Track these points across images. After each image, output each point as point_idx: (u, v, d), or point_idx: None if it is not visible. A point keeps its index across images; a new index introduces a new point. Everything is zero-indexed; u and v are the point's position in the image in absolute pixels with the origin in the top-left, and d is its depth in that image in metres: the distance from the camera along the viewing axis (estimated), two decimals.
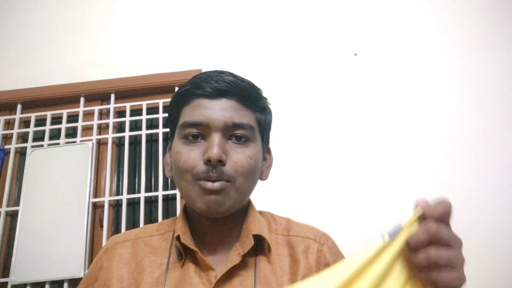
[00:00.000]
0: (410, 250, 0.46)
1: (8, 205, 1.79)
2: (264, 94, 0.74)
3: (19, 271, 1.62)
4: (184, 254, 0.65)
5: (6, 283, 1.62)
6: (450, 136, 1.76)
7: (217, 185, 0.61)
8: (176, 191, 1.75)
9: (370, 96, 1.85)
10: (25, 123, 1.98)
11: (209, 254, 0.67)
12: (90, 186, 1.76)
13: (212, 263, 0.64)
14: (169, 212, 1.82)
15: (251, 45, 1.99)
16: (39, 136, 1.93)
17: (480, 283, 1.50)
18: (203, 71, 1.83)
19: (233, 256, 0.64)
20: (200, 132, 0.64)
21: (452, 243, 0.47)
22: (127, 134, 1.88)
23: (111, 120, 1.92)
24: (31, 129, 1.91)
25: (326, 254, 0.69)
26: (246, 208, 0.72)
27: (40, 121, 1.95)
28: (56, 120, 1.95)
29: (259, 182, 0.71)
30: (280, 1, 2.07)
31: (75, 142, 1.86)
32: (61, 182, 1.76)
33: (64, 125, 1.90)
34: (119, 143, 1.95)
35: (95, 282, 0.68)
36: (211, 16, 2.06)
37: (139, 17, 2.11)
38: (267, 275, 0.64)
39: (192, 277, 0.63)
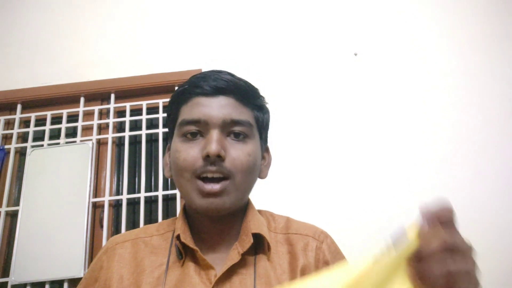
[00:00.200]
0: (420, 259, 0.44)
1: (8, 205, 1.79)
2: (264, 94, 0.74)
3: (19, 271, 1.62)
4: (184, 253, 0.65)
5: (6, 283, 1.62)
6: (450, 135, 1.76)
7: (216, 188, 0.62)
8: (176, 191, 1.75)
9: (370, 96, 1.85)
10: (25, 123, 1.98)
11: (209, 253, 0.67)
12: (90, 186, 1.76)
13: (212, 262, 0.64)
14: (169, 212, 1.82)
15: (251, 45, 1.99)
16: (39, 136, 1.93)
17: (482, 284, 1.50)
18: (203, 71, 1.84)
19: (233, 255, 0.64)
20: (198, 129, 0.65)
21: (467, 252, 0.46)
22: (127, 134, 1.88)
23: (111, 120, 1.92)
24: (31, 129, 1.91)
25: (325, 252, 0.69)
26: (245, 207, 0.72)
27: (40, 121, 1.95)
28: (56, 120, 1.95)
29: (258, 181, 0.72)
30: (280, 1, 2.07)
31: (75, 142, 1.86)
32: (61, 182, 1.76)
33: (64, 125, 1.91)
34: (119, 143, 1.95)
35: (95, 283, 0.68)
36: (211, 16, 2.07)
37: (139, 17, 2.11)
38: (267, 274, 0.64)
39: (192, 277, 0.63)
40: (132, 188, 1.85)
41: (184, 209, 0.71)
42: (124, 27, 2.09)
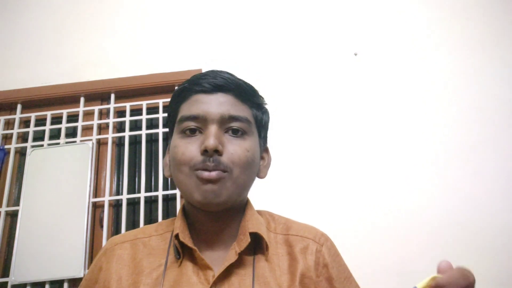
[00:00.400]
0: None
1: (8, 205, 1.79)
2: (264, 94, 0.75)
3: (19, 271, 1.62)
4: (182, 253, 0.65)
5: (6, 283, 1.63)
6: (450, 136, 1.76)
7: (213, 174, 0.62)
8: (176, 191, 1.76)
9: (370, 96, 1.85)
10: (25, 123, 1.98)
11: (207, 253, 0.67)
12: (90, 186, 1.76)
13: (210, 262, 0.64)
14: (169, 212, 1.82)
15: (251, 45, 1.99)
16: (39, 136, 1.93)
17: (480, 283, 1.50)
18: (203, 71, 1.84)
19: (230, 255, 0.64)
20: (197, 125, 0.65)
21: None
22: (127, 134, 1.88)
23: (111, 120, 1.92)
24: (31, 129, 1.91)
25: (325, 255, 0.69)
26: (244, 206, 0.72)
27: (40, 121, 1.95)
28: (56, 120, 1.95)
29: (258, 181, 0.71)
30: (280, 1, 2.07)
31: (75, 142, 1.86)
32: (61, 182, 1.76)
33: (64, 125, 1.91)
34: (119, 143, 1.95)
35: (95, 284, 0.68)
36: (211, 16, 2.07)
37: (139, 17, 2.11)
38: (266, 274, 0.64)
39: (190, 277, 0.63)
40: (132, 188, 1.85)
41: (184, 209, 0.71)
42: (124, 27, 2.09)
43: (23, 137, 1.97)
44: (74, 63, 2.02)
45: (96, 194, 1.82)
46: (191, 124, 0.65)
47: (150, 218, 1.81)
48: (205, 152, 0.62)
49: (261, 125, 0.72)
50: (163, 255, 0.67)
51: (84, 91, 1.95)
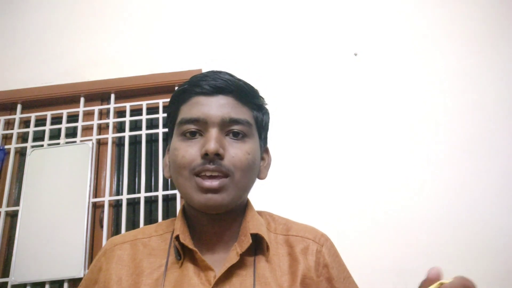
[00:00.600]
0: None
1: (8, 205, 1.79)
2: (264, 94, 0.74)
3: (19, 271, 1.62)
4: (183, 254, 0.65)
5: (6, 283, 1.63)
6: (450, 136, 1.76)
7: (215, 184, 0.61)
8: (176, 191, 1.75)
9: (370, 96, 1.85)
10: (25, 123, 1.98)
11: (208, 254, 0.67)
12: (90, 186, 1.76)
13: (211, 263, 0.64)
14: (169, 212, 1.82)
15: (251, 45, 1.99)
16: (39, 136, 1.93)
17: (479, 283, 1.50)
18: (203, 71, 1.84)
19: (232, 256, 0.64)
20: (197, 128, 0.65)
21: None
22: (127, 134, 1.88)
23: (111, 120, 1.92)
24: (31, 129, 1.91)
25: (325, 255, 0.70)
26: (244, 207, 0.72)
27: (40, 121, 1.95)
28: (56, 120, 1.95)
29: (258, 181, 0.71)
30: (280, 1, 2.07)
31: (75, 142, 1.86)
32: (61, 182, 1.76)
33: (64, 125, 1.91)
34: (119, 143, 1.95)
35: (94, 284, 0.68)
36: (211, 16, 2.07)
37: (139, 17, 2.11)
38: (266, 275, 0.64)
39: (191, 278, 0.63)
40: (132, 188, 1.85)
41: (183, 210, 0.71)
42: (124, 27, 2.09)
43: (23, 137, 1.97)
44: (74, 63, 2.02)
45: (96, 194, 1.82)
46: (192, 127, 0.65)
47: (150, 218, 1.81)
48: (205, 155, 0.62)
49: (262, 127, 0.72)
50: (163, 255, 0.67)
51: (84, 91, 1.95)
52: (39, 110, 1.97)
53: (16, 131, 1.91)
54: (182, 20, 2.07)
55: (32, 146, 1.86)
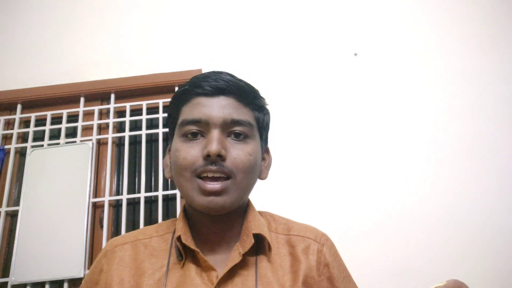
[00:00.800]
0: None
1: (8, 205, 1.79)
2: (264, 94, 0.74)
3: (19, 271, 1.62)
4: (184, 254, 0.65)
5: (6, 283, 1.62)
6: (450, 136, 1.76)
7: (217, 186, 0.62)
8: (176, 191, 1.75)
9: (370, 96, 1.85)
10: (25, 123, 1.98)
11: (209, 254, 0.67)
12: (90, 186, 1.76)
13: (213, 263, 0.64)
14: (169, 212, 1.82)
15: (251, 45, 1.99)
16: (39, 136, 1.93)
17: (480, 283, 1.50)
18: (203, 71, 1.84)
19: (234, 256, 0.64)
20: (199, 129, 0.65)
21: None
22: (127, 134, 1.88)
23: (111, 120, 1.92)
24: (31, 129, 1.91)
25: (326, 255, 0.70)
26: (245, 207, 0.72)
27: (40, 121, 1.95)
28: (56, 120, 1.95)
29: (259, 182, 0.72)
30: (280, 1, 2.07)
31: (75, 142, 1.86)
32: (61, 182, 1.76)
33: (64, 125, 1.91)
34: (119, 143, 1.95)
35: (95, 286, 0.68)
36: (211, 16, 2.07)
37: (139, 17, 2.11)
38: (268, 275, 0.64)
39: (194, 278, 0.63)
40: (132, 188, 1.85)
41: (184, 210, 0.71)
42: (124, 27, 2.09)
43: (23, 137, 1.97)
44: (74, 63, 2.02)
45: (96, 194, 1.82)
46: (193, 128, 0.65)
47: (150, 218, 1.81)
48: (207, 157, 0.62)
49: (263, 127, 0.72)
50: (164, 256, 0.67)
51: (84, 91, 1.95)
52: (39, 110, 1.97)
53: (16, 131, 1.91)
54: (182, 20, 2.07)
55: (32, 146, 1.86)
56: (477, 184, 1.67)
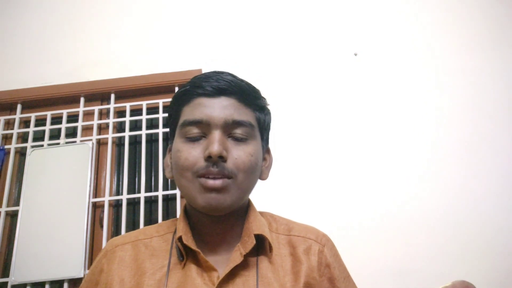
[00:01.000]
0: None
1: (8, 205, 1.79)
2: (264, 94, 0.74)
3: (19, 271, 1.62)
4: (185, 255, 0.65)
5: (6, 283, 1.62)
6: (450, 135, 1.76)
7: (218, 183, 0.61)
8: (176, 191, 1.76)
9: (370, 96, 1.85)
10: (25, 123, 1.98)
11: (210, 254, 0.67)
12: (90, 186, 1.76)
13: (214, 264, 0.64)
14: (169, 212, 1.82)
15: (251, 45, 1.99)
16: (39, 136, 1.93)
17: (479, 283, 1.50)
18: (203, 71, 1.84)
19: (235, 256, 0.64)
20: (200, 130, 0.65)
21: None
22: (127, 134, 1.88)
23: (111, 120, 1.92)
24: (31, 129, 1.91)
25: (327, 255, 0.70)
26: (246, 208, 0.72)
27: (40, 121, 1.95)
28: (56, 120, 1.95)
29: (259, 182, 0.71)
30: (280, 1, 2.07)
31: (75, 142, 1.86)
32: (61, 182, 1.76)
33: (64, 125, 1.91)
34: (119, 143, 1.95)
35: (96, 286, 0.67)
36: (211, 16, 2.07)
37: (139, 17, 2.11)
38: (269, 275, 0.64)
39: (195, 278, 0.63)
40: (132, 188, 1.85)
41: (185, 210, 0.71)
42: (124, 28, 2.09)
43: (23, 137, 1.97)
44: (74, 63, 2.02)
45: (96, 194, 1.82)
46: (194, 129, 0.65)
47: (150, 218, 1.81)
48: (209, 158, 0.61)
49: (264, 127, 0.72)
50: (165, 256, 0.67)
51: (84, 91, 1.95)
52: (39, 110, 1.97)
53: (16, 131, 1.91)
54: (182, 20, 2.07)
55: (32, 146, 1.86)
56: (477, 184, 1.67)
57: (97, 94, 1.96)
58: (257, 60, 1.95)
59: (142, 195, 1.77)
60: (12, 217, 1.81)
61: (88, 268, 1.61)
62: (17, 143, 1.91)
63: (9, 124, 1.99)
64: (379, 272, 1.54)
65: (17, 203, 1.80)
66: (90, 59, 2.03)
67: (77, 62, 2.03)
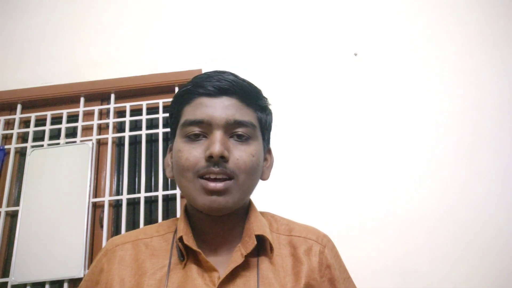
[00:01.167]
0: None
1: (8, 205, 1.79)
2: (265, 94, 0.74)
3: (19, 271, 1.62)
4: (186, 255, 0.65)
5: (6, 283, 1.62)
6: (450, 136, 1.76)
7: (220, 185, 0.61)
8: (176, 191, 1.75)
9: (370, 96, 1.85)
10: (25, 123, 1.98)
11: (211, 255, 0.67)
12: (90, 186, 1.76)
13: (214, 264, 0.64)
14: (169, 212, 1.82)
15: (251, 45, 1.99)
16: (39, 136, 1.93)
17: (480, 283, 1.50)
18: (203, 71, 1.84)
19: (236, 257, 0.64)
20: (201, 130, 0.64)
21: None
22: (127, 134, 1.88)
23: (111, 120, 1.92)
24: (31, 129, 1.91)
25: (328, 256, 0.70)
26: (247, 208, 0.72)
27: (40, 121, 1.95)
28: (56, 120, 1.95)
29: (260, 182, 0.71)
30: (280, 1, 2.07)
31: (75, 142, 1.86)
32: (61, 182, 1.76)
33: (64, 125, 1.90)
34: (119, 143, 1.95)
35: (95, 285, 0.67)
36: (211, 16, 2.07)
37: (139, 18, 2.11)
38: (270, 276, 0.64)
39: (195, 279, 0.62)
40: (132, 188, 1.85)
41: (186, 210, 0.71)
42: (124, 27, 2.09)
43: (23, 137, 1.97)
44: (74, 63, 2.02)
45: (96, 194, 1.81)
46: (196, 129, 0.64)
47: (150, 218, 1.81)
48: (210, 158, 0.61)
49: (265, 128, 0.72)
50: (166, 256, 0.67)
51: (84, 91, 1.95)
52: (39, 110, 1.97)
53: (16, 131, 1.91)
54: (182, 20, 2.07)
55: (32, 146, 1.86)
56: (477, 184, 1.67)
57: (97, 94, 1.96)
58: (257, 60, 1.95)
59: (142, 195, 1.77)
60: (12, 217, 1.81)
61: (88, 268, 1.61)
62: (17, 143, 1.91)
63: (9, 124, 1.99)
64: (379, 272, 1.54)
65: (17, 203, 1.80)
66: (90, 59, 2.03)
67: (77, 62, 2.03)
